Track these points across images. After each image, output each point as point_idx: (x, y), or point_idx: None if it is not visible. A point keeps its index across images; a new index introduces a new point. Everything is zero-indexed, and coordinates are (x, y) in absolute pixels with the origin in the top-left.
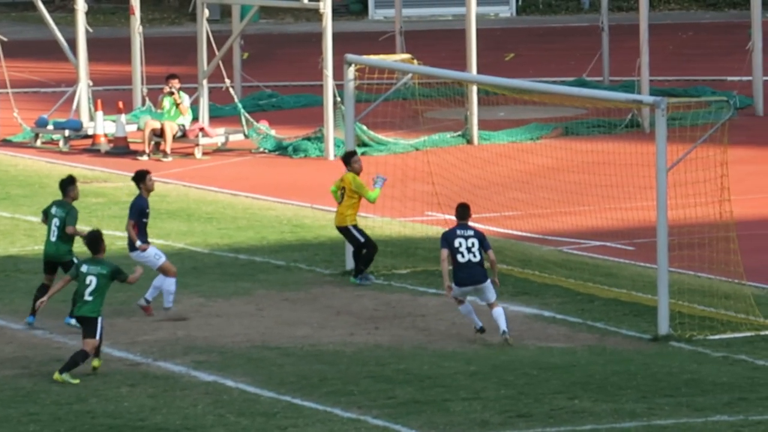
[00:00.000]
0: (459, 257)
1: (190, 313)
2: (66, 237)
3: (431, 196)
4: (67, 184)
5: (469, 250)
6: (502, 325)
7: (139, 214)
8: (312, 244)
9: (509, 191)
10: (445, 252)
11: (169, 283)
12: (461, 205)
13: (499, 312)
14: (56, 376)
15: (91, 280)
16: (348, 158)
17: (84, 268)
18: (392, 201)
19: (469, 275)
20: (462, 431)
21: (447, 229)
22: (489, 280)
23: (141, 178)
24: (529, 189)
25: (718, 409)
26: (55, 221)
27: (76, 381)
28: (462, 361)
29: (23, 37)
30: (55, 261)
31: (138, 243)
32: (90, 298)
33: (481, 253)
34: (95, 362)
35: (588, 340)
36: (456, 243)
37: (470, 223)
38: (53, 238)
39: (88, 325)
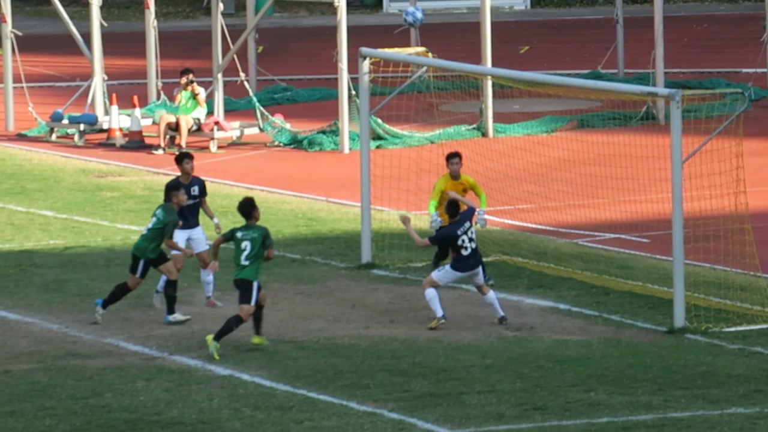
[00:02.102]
0: (464, 251)
1: (205, 307)
2: (153, 236)
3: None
4: (170, 189)
5: (470, 239)
6: (500, 311)
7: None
8: (327, 237)
9: (524, 184)
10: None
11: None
12: (450, 203)
13: (492, 297)
14: (208, 337)
15: (246, 245)
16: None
17: (239, 234)
18: (407, 194)
19: (474, 262)
20: (477, 424)
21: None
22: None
23: (179, 160)
24: (544, 182)
25: (734, 402)
26: (154, 221)
27: (217, 357)
28: (477, 354)
29: (38, 31)
30: (139, 256)
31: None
32: (246, 263)
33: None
34: (257, 339)
35: (603, 333)
36: (459, 241)
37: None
38: (145, 231)
39: (244, 290)
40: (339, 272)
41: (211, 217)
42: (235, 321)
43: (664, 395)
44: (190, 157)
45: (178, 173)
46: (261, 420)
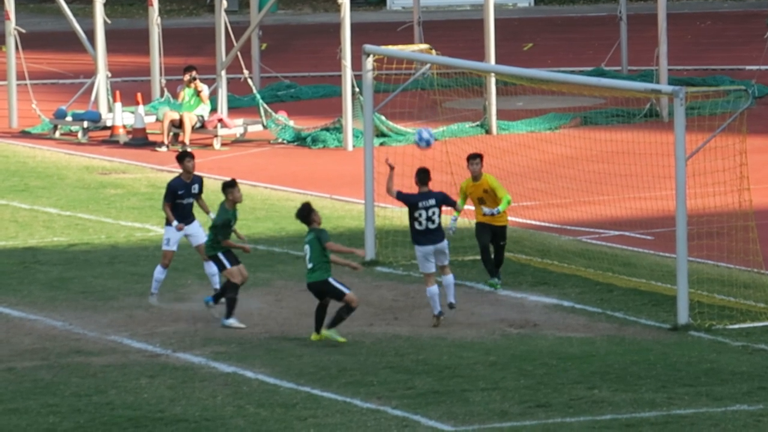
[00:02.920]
0: (416, 225)
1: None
2: (213, 237)
3: (450, 186)
4: (226, 186)
5: (428, 218)
6: (450, 297)
7: (171, 194)
8: (331, 234)
9: (528, 181)
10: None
11: (158, 271)
12: (420, 170)
13: (448, 280)
14: (324, 332)
15: (306, 249)
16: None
17: (305, 240)
18: (411, 191)
19: (428, 240)
20: (481, 421)
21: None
22: (446, 242)
23: (180, 159)
24: (547, 179)
25: (738, 399)
26: (211, 222)
27: (343, 339)
28: (481, 352)
29: (41, 28)
30: (207, 254)
31: (174, 223)
32: (311, 265)
33: (439, 218)
34: (325, 332)
35: (607, 330)
36: (416, 213)
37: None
38: (208, 234)
39: (327, 291)
40: (343, 269)
41: (207, 213)
42: (346, 310)
43: (668, 392)
44: (191, 155)
45: (178, 168)
46: (264, 417)
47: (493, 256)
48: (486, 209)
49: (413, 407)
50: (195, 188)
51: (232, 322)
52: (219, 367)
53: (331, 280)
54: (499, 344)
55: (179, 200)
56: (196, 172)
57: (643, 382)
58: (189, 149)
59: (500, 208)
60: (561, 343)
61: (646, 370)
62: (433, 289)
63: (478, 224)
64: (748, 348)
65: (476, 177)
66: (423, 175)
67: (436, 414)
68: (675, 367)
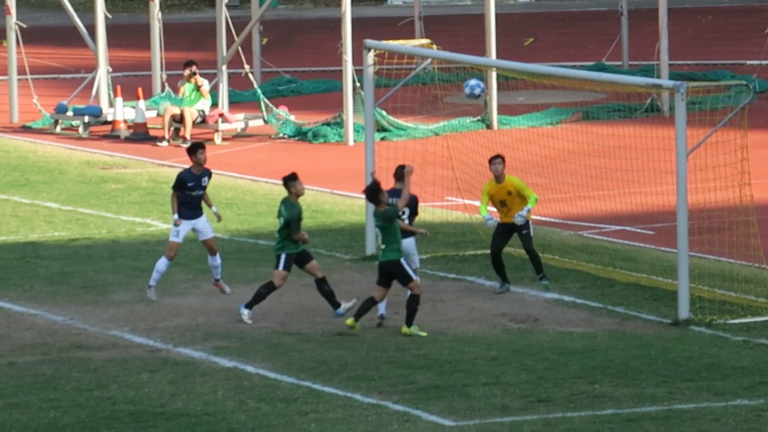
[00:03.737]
0: None
1: (210, 299)
2: (287, 234)
3: (451, 182)
4: (289, 180)
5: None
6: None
7: (180, 186)
8: (332, 229)
9: (528, 176)
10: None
11: (161, 263)
12: (398, 168)
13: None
14: (404, 329)
15: (376, 232)
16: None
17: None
18: (412, 186)
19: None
20: (482, 416)
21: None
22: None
23: (193, 150)
24: (548, 174)
25: (739, 393)
26: (281, 220)
27: (424, 333)
28: (482, 346)
29: (42, 23)
30: (280, 254)
31: (174, 216)
32: (384, 246)
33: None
34: (405, 329)
35: (608, 325)
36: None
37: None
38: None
39: (397, 272)
40: (344, 264)
41: (210, 206)
42: (416, 301)
43: (669, 387)
44: (203, 147)
45: (178, 163)
46: (266, 412)
47: (525, 253)
48: (517, 217)
49: (414, 402)
50: (205, 180)
51: (245, 313)
52: (220, 362)
53: (402, 262)
54: (500, 339)
55: (189, 192)
56: (205, 166)
57: (644, 377)
58: (190, 144)
59: (529, 206)
60: (562, 338)
61: (647, 364)
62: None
63: (499, 225)
64: (749, 343)
65: (499, 178)
66: (400, 172)
67: (437, 409)
68: (676, 361)
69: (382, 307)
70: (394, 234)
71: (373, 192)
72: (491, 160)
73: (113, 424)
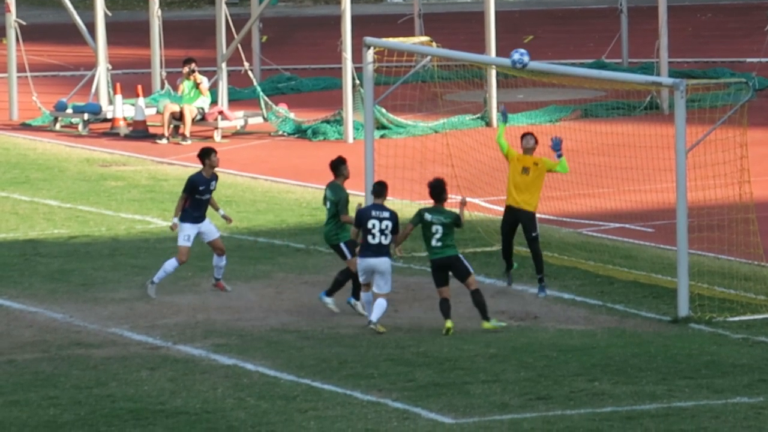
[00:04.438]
0: (370, 238)
1: (209, 297)
2: (335, 221)
3: (450, 179)
4: (339, 164)
5: (381, 231)
6: (372, 316)
7: (191, 189)
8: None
9: None
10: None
11: (171, 264)
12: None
13: (380, 303)
14: (485, 324)
15: (437, 229)
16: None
17: (427, 217)
18: (411, 183)
19: (370, 254)
20: (482, 414)
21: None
22: (389, 267)
23: (206, 154)
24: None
25: (738, 391)
26: (328, 204)
27: (504, 323)
28: (481, 344)
29: (42, 20)
30: (327, 242)
31: (174, 220)
32: (438, 244)
33: (392, 237)
34: (486, 324)
35: (607, 323)
36: (369, 224)
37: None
38: (326, 219)
39: (457, 267)
40: (342, 263)
41: (217, 209)
42: (480, 294)
43: (669, 385)
44: (215, 150)
45: (178, 161)
46: (265, 409)
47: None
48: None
49: (414, 399)
50: (213, 184)
51: (329, 301)
52: (219, 360)
53: (461, 256)
54: (499, 336)
55: (199, 196)
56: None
57: (643, 375)
58: (190, 141)
59: (562, 166)
60: (561, 336)
61: (646, 362)
62: (365, 296)
63: (506, 208)
64: (749, 340)
65: (527, 151)
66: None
67: (436, 406)
68: (675, 359)
69: (364, 308)
70: (451, 235)
71: (440, 189)
72: (522, 136)
73: (113, 421)
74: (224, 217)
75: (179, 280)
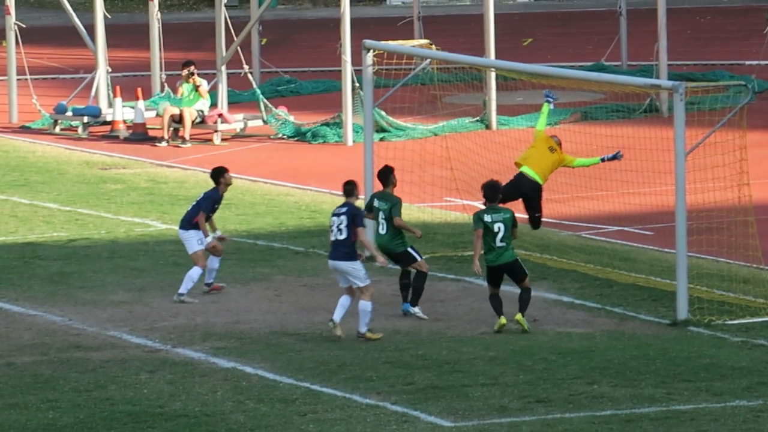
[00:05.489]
0: (331, 235)
1: (208, 300)
2: (395, 228)
3: (450, 182)
4: (389, 173)
5: (338, 228)
6: (361, 327)
7: (211, 208)
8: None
9: None
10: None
11: (195, 272)
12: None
13: (363, 306)
14: (518, 316)
15: (499, 227)
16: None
17: (488, 218)
18: (411, 186)
19: (331, 255)
20: (481, 417)
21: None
22: (351, 264)
23: (220, 174)
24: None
25: (737, 394)
26: (381, 214)
27: (528, 329)
28: (480, 347)
29: (41, 23)
30: (389, 252)
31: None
32: (503, 244)
33: (348, 232)
34: (519, 316)
35: (607, 325)
36: (330, 221)
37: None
38: (382, 231)
39: (516, 269)
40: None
41: (215, 230)
42: (529, 292)
43: (668, 388)
44: (227, 169)
45: (178, 164)
46: (264, 412)
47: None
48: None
49: (413, 402)
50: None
51: (417, 311)
52: (218, 363)
53: (519, 259)
54: (498, 339)
55: (211, 213)
56: (197, 167)
57: (642, 378)
58: (189, 144)
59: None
60: (560, 339)
61: (645, 365)
62: (343, 299)
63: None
64: (748, 343)
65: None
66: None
67: (435, 409)
68: (674, 362)
69: (338, 315)
70: (511, 235)
71: (496, 188)
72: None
73: (112, 424)
74: (220, 238)
75: (178, 283)
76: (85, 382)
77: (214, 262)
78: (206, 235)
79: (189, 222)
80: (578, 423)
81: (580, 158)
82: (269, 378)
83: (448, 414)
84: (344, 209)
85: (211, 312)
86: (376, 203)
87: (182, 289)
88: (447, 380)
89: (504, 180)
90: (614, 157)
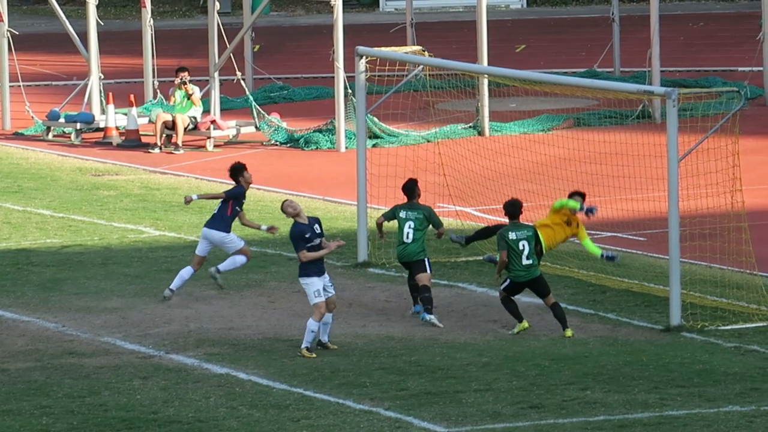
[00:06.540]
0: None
1: (202, 306)
2: (421, 240)
3: (442, 188)
4: (413, 186)
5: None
6: (324, 336)
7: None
8: (324, 236)
9: (520, 182)
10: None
11: (187, 271)
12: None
13: (327, 318)
14: (567, 332)
15: (524, 245)
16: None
17: (512, 235)
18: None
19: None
20: (474, 423)
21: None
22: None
23: (239, 171)
24: (540, 180)
25: (730, 400)
26: (410, 224)
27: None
28: (474, 353)
29: (34, 30)
30: (411, 261)
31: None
32: (529, 261)
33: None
34: (568, 332)
35: (600, 331)
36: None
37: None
38: (408, 240)
39: (543, 283)
40: (335, 271)
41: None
42: (560, 306)
43: (661, 393)
44: (245, 167)
45: (170, 170)
46: (258, 418)
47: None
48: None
49: (406, 408)
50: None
51: (432, 318)
52: (212, 369)
53: (542, 274)
54: (491, 345)
55: (239, 208)
56: (191, 172)
57: (635, 383)
58: (182, 151)
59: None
60: (554, 344)
61: (638, 371)
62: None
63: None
64: (741, 349)
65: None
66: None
67: (429, 415)
68: (667, 368)
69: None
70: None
71: (518, 205)
72: (571, 195)
73: (105, 430)
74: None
75: None
76: (79, 389)
77: (242, 260)
78: (258, 227)
79: (221, 219)
80: (571, 429)
81: (590, 241)
82: (262, 384)
83: (442, 420)
84: (318, 230)
85: (204, 318)
86: (402, 214)
87: (173, 286)
88: (440, 386)
89: (497, 186)
90: (608, 257)
